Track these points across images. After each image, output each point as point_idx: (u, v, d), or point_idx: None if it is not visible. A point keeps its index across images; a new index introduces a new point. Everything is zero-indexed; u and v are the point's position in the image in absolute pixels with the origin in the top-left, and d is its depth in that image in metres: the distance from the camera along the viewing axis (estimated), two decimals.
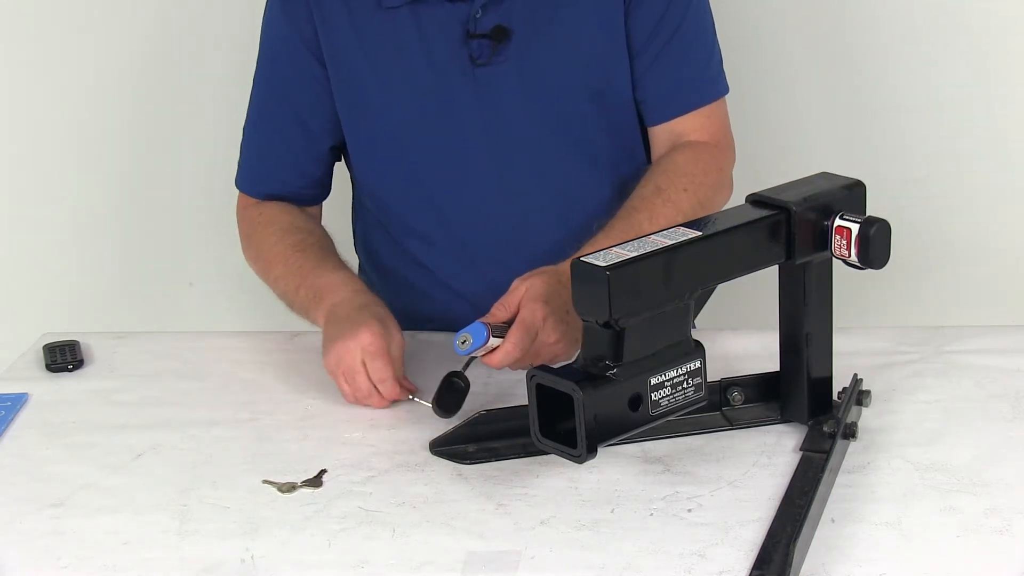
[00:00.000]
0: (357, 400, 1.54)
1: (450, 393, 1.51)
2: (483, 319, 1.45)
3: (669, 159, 1.68)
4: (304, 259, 1.67)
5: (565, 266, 1.43)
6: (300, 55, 1.69)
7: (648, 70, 1.68)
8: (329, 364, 1.54)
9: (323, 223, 1.80)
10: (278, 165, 1.76)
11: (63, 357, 1.69)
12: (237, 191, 1.80)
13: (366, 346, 1.50)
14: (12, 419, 1.56)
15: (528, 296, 1.46)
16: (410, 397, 1.54)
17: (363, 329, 1.51)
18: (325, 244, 1.73)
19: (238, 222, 1.79)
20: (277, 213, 1.75)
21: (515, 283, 1.49)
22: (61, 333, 1.75)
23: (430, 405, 1.51)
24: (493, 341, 1.43)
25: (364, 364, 1.51)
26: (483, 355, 1.45)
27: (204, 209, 2.39)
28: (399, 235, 1.77)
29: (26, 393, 1.62)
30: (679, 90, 1.70)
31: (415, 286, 1.78)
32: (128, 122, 2.42)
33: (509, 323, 1.45)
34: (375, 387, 1.52)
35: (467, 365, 1.52)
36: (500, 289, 1.50)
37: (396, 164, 1.71)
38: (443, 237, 1.73)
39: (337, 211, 1.88)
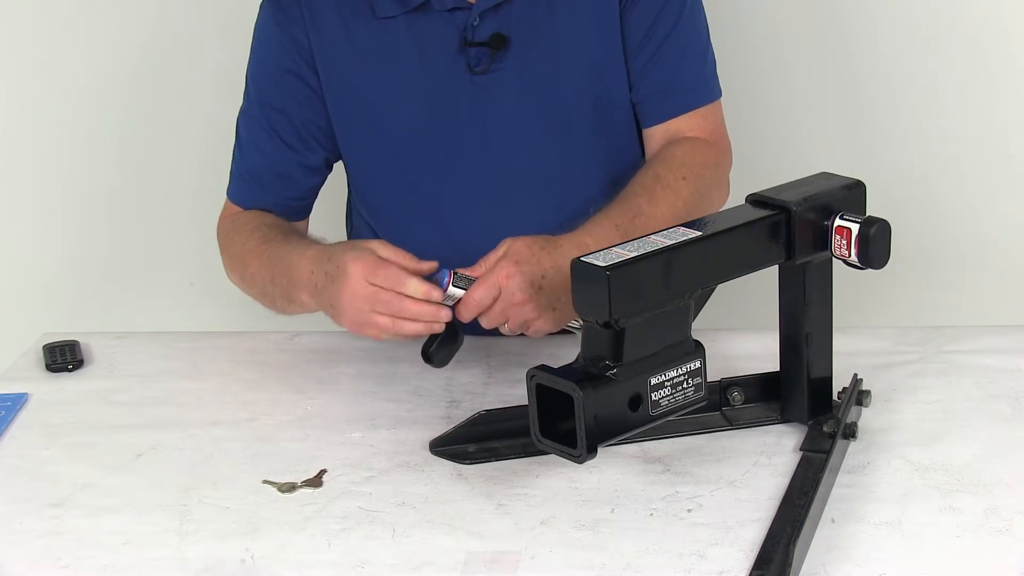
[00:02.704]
0: (410, 318, 1.42)
1: (442, 344, 1.46)
2: (461, 270, 1.46)
3: (667, 151, 1.68)
4: (271, 247, 1.63)
5: (557, 238, 1.47)
6: (294, 64, 1.67)
7: (644, 70, 1.68)
8: (351, 321, 1.46)
9: (319, 228, 1.79)
10: (271, 176, 1.73)
11: (63, 357, 1.68)
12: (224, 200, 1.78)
13: (360, 273, 1.43)
14: (12, 419, 1.56)
15: (503, 255, 1.47)
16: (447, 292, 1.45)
17: (345, 268, 1.45)
18: (288, 229, 1.70)
19: (218, 238, 1.76)
20: (246, 217, 1.72)
21: (503, 242, 1.49)
22: (61, 333, 1.75)
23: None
24: (454, 291, 1.44)
25: (373, 285, 1.43)
26: (451, 304, 1.45)
27: (205, 209, 2.37)
28: (395, 241, 1.76)
29: (26, 393, 1.62)
30: (675, 90, 1.70)
31: None
32: (129, 121, 2.42)
33: None
34: (407, 297, 1.42)
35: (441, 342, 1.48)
36: None
37: (394, 172, 1.70)
38: (441, 242, 1.72)
39: (334, 215, 1.88)
